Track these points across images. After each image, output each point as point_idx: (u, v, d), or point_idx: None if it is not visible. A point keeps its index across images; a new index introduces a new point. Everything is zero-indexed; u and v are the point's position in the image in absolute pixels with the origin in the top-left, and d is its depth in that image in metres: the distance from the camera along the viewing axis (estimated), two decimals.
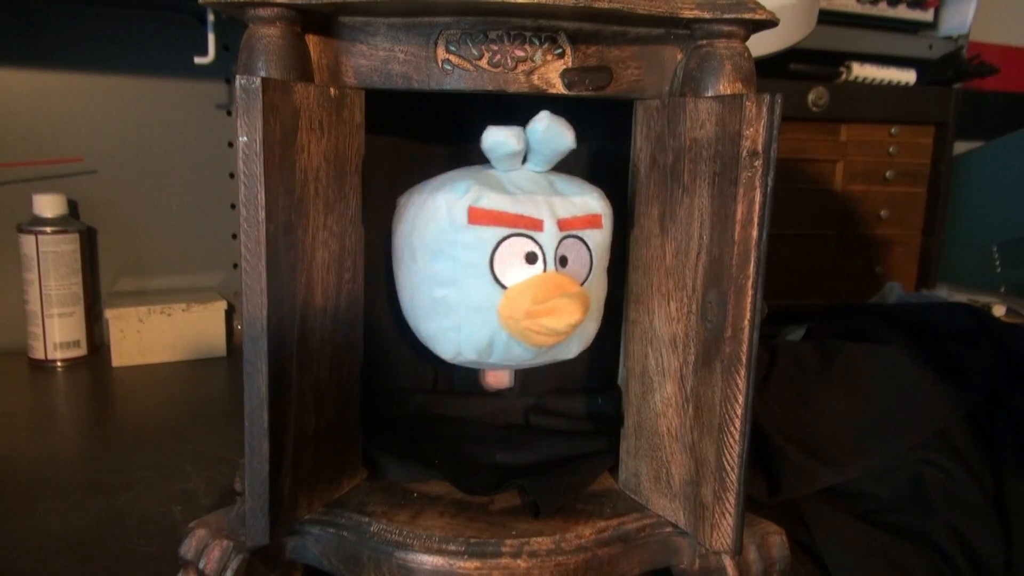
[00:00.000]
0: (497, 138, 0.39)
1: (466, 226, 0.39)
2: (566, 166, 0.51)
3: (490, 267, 0.39)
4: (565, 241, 0.40)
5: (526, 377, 0.49)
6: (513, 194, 0.40)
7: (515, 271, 0.39)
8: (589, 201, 0.41)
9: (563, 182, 0.42)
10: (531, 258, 0.39)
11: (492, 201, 0.39)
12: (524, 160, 0.41)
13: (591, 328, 0.43)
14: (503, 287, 0.39)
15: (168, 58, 0.89)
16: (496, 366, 0.44)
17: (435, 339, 0.42)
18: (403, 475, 0.46)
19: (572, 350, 0.43)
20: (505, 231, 0.39)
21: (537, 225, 0.39)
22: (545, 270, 0.39)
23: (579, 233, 0.41)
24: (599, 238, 0.42)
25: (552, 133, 0.39)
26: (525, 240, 0.39)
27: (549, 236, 0.39)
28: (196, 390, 0.78)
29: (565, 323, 0.38)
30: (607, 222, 0.42)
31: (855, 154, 1.02)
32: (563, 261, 0.40)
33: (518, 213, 0.39)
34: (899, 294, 0.85)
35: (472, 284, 0.39)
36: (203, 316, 0.87)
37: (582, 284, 0.41)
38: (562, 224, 0.40)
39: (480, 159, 0.51)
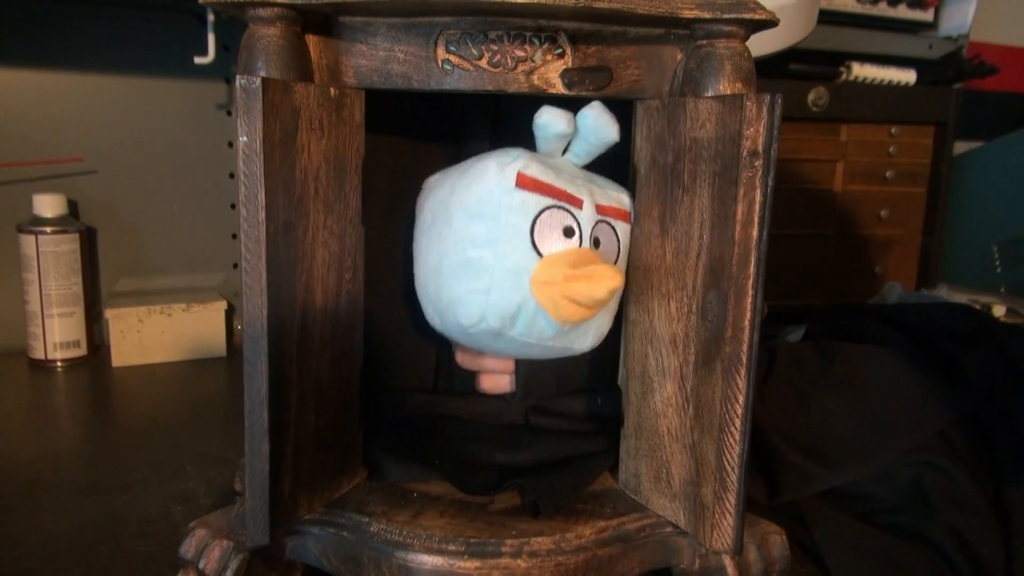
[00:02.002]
0: (552, 116, 0.40)
1: (513, 189, 0.40)
2: None
3: (531, 232, 0.40)
4: (600, 224, 0.41)
5: (527, 382, 0.49)
6: (559, 172, 0.41)
7: (552, 241, 0.40)
8: (622, 197, 0.43)
9: (599, 178, 0.44)
10: (569, 232, 0.40)
11: (540, 171, 0.40)
12: (565, 151, 0.43)
13: (607, 323, 0.44)
14: (539, 255, 0.40)
15: (168, 58, 0.89)
16: (503, 351, 0.44)
17: (459, 302, 0.42)
18: (403, 475, 0.46)
19: (587, 342, 0.43)
20: (548, 201, 0.40)
21: (578, 203, 0.41)
22: (581, 245, 0.41)
23: (611, 221, 0.42)
24: (625, 230, 0.43)
25: (601, 123, 0.41)
26: (565, 214, 0.40)
27: (587, 215, 0.41)
28: (196, 390, 0.78)
29: (605, 288, 0.38)
30: (633, 219, 0.44)
31: (855, 154, 1.02)
32: (596, 242, 0.41)
33: (562, 187, 0.40)
34: (899, 294, 0.85)
35: (510, 247, 0.40)
36: (203, 316, 0.87)
37: None
38: (599, 209, 0.41)
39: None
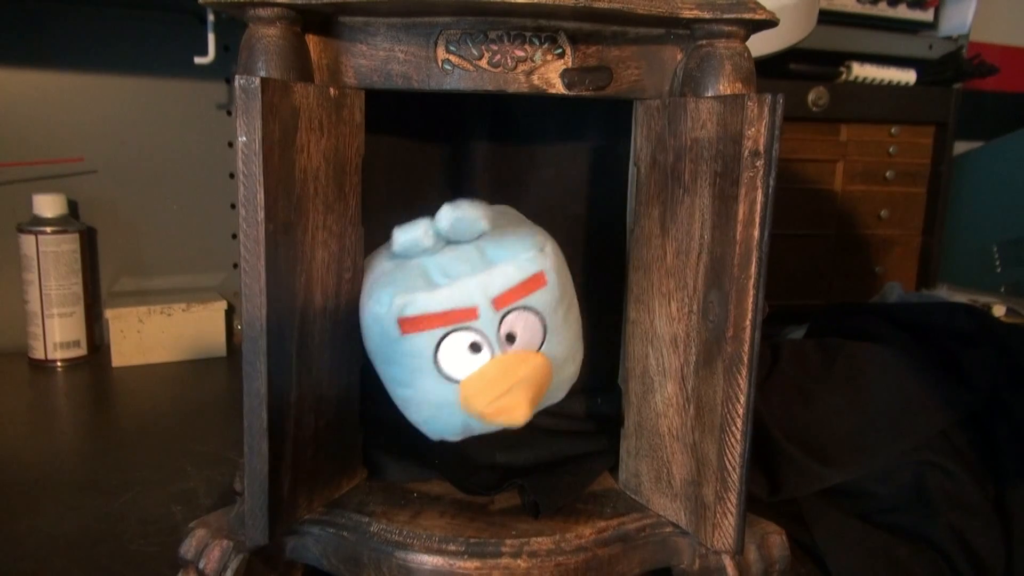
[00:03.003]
0: (406, 241, 0.38)
1: (400, 338, 0.38)
2: (565, 170, 0.51)
3: (436, 368, 0.38)
4: (508, 317, 0.38)
5: None
6: (440, 286, 0.38)
7: (463, 364, 0.38)
8: (524, 264, 0.38)
9: (494, 245, 0.39)
10: (475, 347, 0.38)
11: (419, 305, 0.37)
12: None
13: (571, 370, 0.42)
14: (456, 381, 0.38)
15: (168, 58, 0.89)
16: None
17: (419, 427, 0.41)
18: (403, 475, 0.46)
19: (559, 394, 0.43)
20: (441, 331, 0.38)
21: (471, 315, 0.37)
22: (493, 354, 0.38)
23: (521, 303, 0.38)
24: (547, 296, 0.39)
25: (459, 225, 0.38)
26: (464, 333, 0.38)
27: (487, 320, 0.38)
28: (196, 390, 0.78)
29: (517, 420, 0.37)
30: (552, 275, 0.39)
31: (855, 154, 1.02)
32: (510, 338, 0.38)
33: (448, 310, 0.37)
34: (899, 294, 0.85)
35: (426, 385, 0.38)
36: (203, 316, 0.87)
37: (540, 348, 0.39)
38: (499, 301, 0.38)
39: (477, 161, 0.51)
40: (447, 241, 0.39)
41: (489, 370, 0.37)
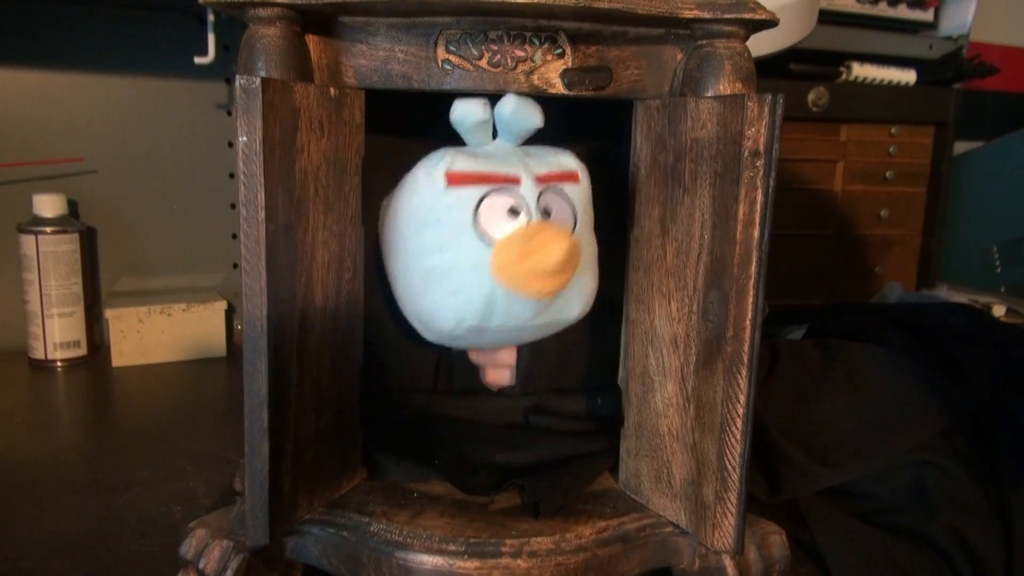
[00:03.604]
0: (465, 108, 0.40)
1: (446, 189, 0.39)
2: None
3: (475, 224, 0.39)
4: (545, 195, 0.41)
5: (526, 375, 0.49)
6: (489, 156, 0.40)
7: (500, 225, 0.39)
8: (563, 159, 0.42)
9: (536, 149, 0.42)
10: (514, 212, 0.40)
11: (467, 163, 0.40)
12: (495, 137, 0.42)
13: (590, 285, 0.43)
14: (492, 243, 0.39)
15: (168, 58, 0.89)
16: (498, 342, 0.44)
17: (434, 312, 0.42)
18: (403, 475, 0.46)
19: (575, 309, 0.43)
20: (484, 189, 0.39)
21: (515, 180, 0.40)
22: (529, 221, 0.40)
23: (558, 186, 0.41)
24: (578, 193, 0.42)
25: (520, 115, 0.40)
26: (505, 196, 0.40)
27: (528, 189, 0.40)
28: (196, 390, 0.78)
29: (559, 250, 0.38)
30: (584, 180, 0.42)
31: (855, 154, 1.02)
32: (546, 212, 0.41)
33: (494, 171, 0.40)
34: (899, 294, 0.85)
35: (462, 244, 0.39)
36: (203, 316, 0.87)
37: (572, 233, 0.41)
38: (540, 179, 0.40)
39: None
40: (494, 135, 0.41)
41: (527, 229, 0.39)
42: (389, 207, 0.43)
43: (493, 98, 0.43)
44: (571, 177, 0.42)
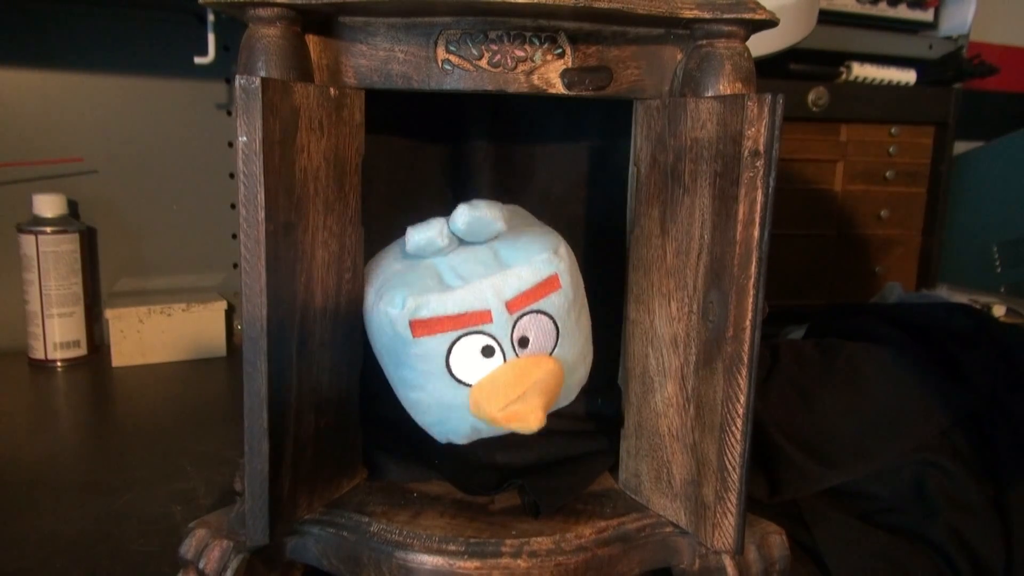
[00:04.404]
0: (420, 241, 0.38)
1: (412, 340, 0.38)
2: (565, 170, 0.51)
3: (448, 372, 0.38)
4: (521, 321, 0.38)
5: None
6: (454, 288, 0.37)
7: (475, 368, 0.38)
8: (539, 266, 0.38)
9: (508, 247, 0.39)
10: (488, 351, 0.38)
11: (432, 307, 0.37)
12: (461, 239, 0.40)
13: (582, 373, 0.42)
14: (468, 385, 0.38)
15: (168, 58, 0.89)
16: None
17: (427, 429, 0.42)
18: (403, 475, 0.46)
19: (570, 398, 0.43)
20: (454, 334, 0.37)
21: (485, 318, 0.37)
22: (505, 359, 0.38)
23: (535, 306, 0.38)
24: (560, 300, 0.39)
25: (475, 227, 0.38)
26: (477, 336, 0.37)
27: (501, 324, 0.37)
28: (196, 390, 0.78)
29: (531, 426, 0.36)
30: (566, 278, 0.39)
31: (855, 154, 1.02)
32: (523, 342, 0.38)
33: (462, 312, 0.37)
34: (899, 294, 0.85)
35: (437, 387, 0.38)
36: (203, 316, 0.87)
37: (552, 352, 0.39)
38: (512, 305, 0.37)
39: (477, 161, 0.51)
40: (460, 241, 0.39)
41: (502, 375, 0.37)
42: (367, 312, 0.41)
43: (493, 98, 0.43)
44: (548, 288, 0.38)
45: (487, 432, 0.40)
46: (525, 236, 0.40)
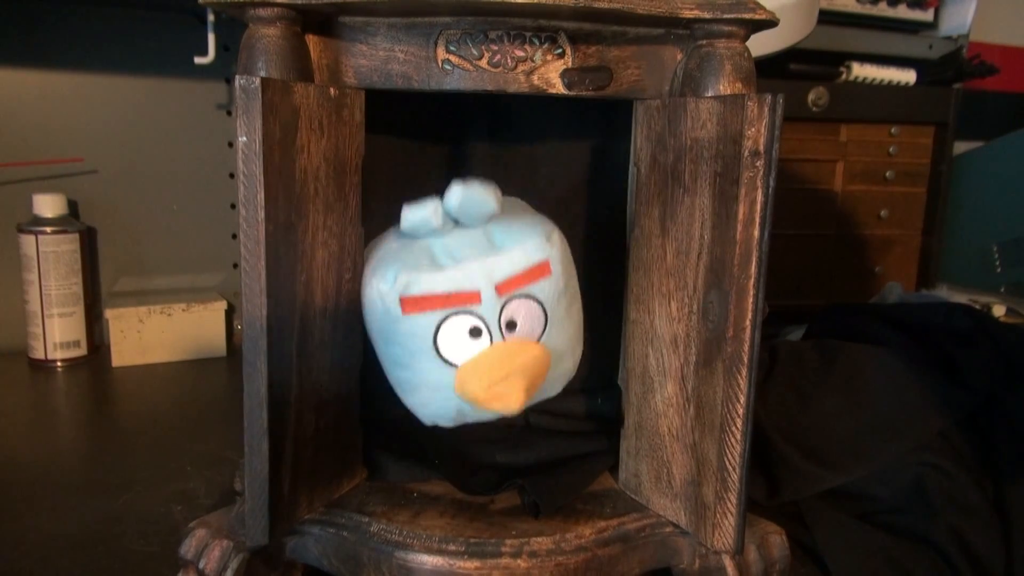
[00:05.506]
0: (415, 220, 0.38)
1: (401, 317, 0.38)
2: (565, 170, 0.51)
3: (435, 351, 0.38)
4: (510, 304, 0.38)
5: None
6: (445, 267, 0.38)
7: (462, 348, 0.38)
8: (531, 250, 0.38)
9: (502, 231, 0.39)
10: (475, 332, 0.38)
11: (422, 285, 0.37)
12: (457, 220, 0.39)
13: (569, 365, 0.42)
14: (454, 365, 0.38)
15: (168, 58, 0.89)
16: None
17: (412, 410, 0.41)
18: (403, 475, 0.46)
19: (556, 388, 0.43)
20: (442, 313, 0.37)
21: (474, 299, 0.37)
22: (492, 341, 0.38)
23: (525, 290, 0.38)
24: (551, 286, 0.39)
25: (469, 206, 0.38)
26: (465, 317, 0.37)
27: (489, 306, 0.37)
28: (196, 390, 0.78)
29: (512, 407, 0.37)
30: (557, 265, 0.39)
31: (855, 154, 1.02)
32: (511, 326, 0.38)
33: (451, 292, 0.37)
34: (899, 294, 0.85)
35: (424, 366, 0.38)
36: (203, 316, 0.87)
37: (540, 338, 0.39)
38: (502, 288, 0.38)
39: (480, 160, 0.51)
40: (455, 223, 0.39)
41: (487, 357, 0.37)
42: (362, 288, 0.41)
43: (493, 98, 0.43)
44: (539, 273, 0.38)
45: (472, 416, 0.40)
46: (519, 221, 0.40)
